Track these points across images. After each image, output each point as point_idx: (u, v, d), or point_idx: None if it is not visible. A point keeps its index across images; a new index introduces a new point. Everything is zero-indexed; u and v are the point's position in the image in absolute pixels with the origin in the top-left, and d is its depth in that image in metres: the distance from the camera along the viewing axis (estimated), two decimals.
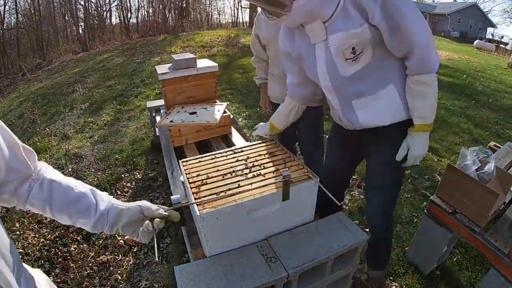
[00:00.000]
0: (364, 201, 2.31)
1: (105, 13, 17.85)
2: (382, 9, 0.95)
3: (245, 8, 27.30)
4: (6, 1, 14.95)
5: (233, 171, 1.27)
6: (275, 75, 1.84)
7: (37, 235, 2.08)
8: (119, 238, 2.03)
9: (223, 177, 1.24)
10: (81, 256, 1.90)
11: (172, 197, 1.41)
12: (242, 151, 1.44)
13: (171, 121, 2.35)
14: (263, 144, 1.49)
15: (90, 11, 16.72)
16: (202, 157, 1.40)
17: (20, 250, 1.93)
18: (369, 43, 1.03)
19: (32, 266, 1.92)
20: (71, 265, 1.83)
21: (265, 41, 1.82)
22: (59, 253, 1.92)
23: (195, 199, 1.11)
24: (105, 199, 0.75)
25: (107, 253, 1.92)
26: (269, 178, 1.22)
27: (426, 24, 1.03)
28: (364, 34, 1.01)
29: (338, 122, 1.37)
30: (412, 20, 0.98)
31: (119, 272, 1.80)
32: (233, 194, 1.13)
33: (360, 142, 1.34)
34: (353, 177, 2.61)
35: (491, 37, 29.45)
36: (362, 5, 0.97)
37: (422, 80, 1.06)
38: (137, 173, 2.79)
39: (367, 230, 1.49)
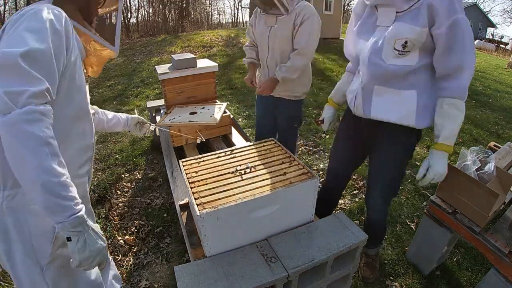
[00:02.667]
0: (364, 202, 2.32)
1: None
2: (451, 26, 1.04)
3: (245, 8, 27.33)
4: (6, 1, 14.95)
5: (233, 171, 1.27)
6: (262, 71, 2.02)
7: None
8: (119, 238, 2.03)
9: (223, 177, 1.24)
10: None
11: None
12: (242, 151, 1.44)
13: (171, 121, 2.35)
14: (263, 144, 1.49)
15: None
16: (202, 157, 1.40)
17: None
18: (419, 47, 1.13)
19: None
20: None
21: (257, 36, 1.95)
22: None
23: (195, 199, 1.11)
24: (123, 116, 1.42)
25: None
26: (269, 178, 1.22)
27: (475, 56, 1.11)
28: (421, 36, 1.09)
29: (351, 105, 1.42)
30: (469, 49, 1.07)
31: (119, 272, 1.80)
32: (233, 194, 1.13)
33: (367, 137, 1.44)
34: (353, 177, 2.62)
35: (491, 37, 29.47)
36: (435, 13, 1.05)
37: (457, 105, 1.14)
38: (137, 173, 2.79)
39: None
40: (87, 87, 1.02)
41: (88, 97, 1.05)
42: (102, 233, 0.85)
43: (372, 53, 1.22)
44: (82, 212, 0.76)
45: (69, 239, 0.76)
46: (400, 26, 1.12)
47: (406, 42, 1.11)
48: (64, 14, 0.83)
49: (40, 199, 0.70)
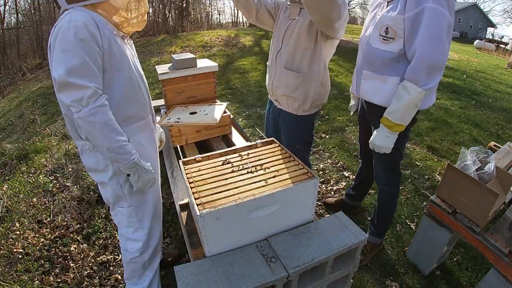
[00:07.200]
0: (364, 201, 2.31)
1: None
2: (418, 13, 1.14)
3: None
4: (6, 1, 14.95)
5: (233, 171, 1.27)
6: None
7: (37, 235, 2.08)
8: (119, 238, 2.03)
9: (223, 177, 1.24)
10: (81, 256, 1.90)
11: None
12: (242, 151, 1.44)
13: (172, 121, 2.35)
14: (263, 144, 1.49)
15: None
16: (202, 157, 1.40)
17: (20, 250, 1.93)
18: (401, 35, 1.23)
19: (32, 266, 1.91)
20: (71, 265, 1.83)
21: (275, 26, 1.69)
22: (59, 253, 1.92)
23: (195, 199, 1.11)
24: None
25: (107, 253, 1.92)
26: (269, 178, 1.22)
27: (441, 50, 1.14)
28: (397, 22, 1.22)
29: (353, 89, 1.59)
30: (428, 39, 1.13)
31: (119, 272, 1.80)
32: (233, 194, 1.13)
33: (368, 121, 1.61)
34: (352, 176, 2.62)
35: (491, 37, 29.47)
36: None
37: (406, 85, 1.22)
38: None
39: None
40: (131, 52, 1.31)
41: (137, 61, 1.35)
42: (151, 168, 1.26)
43: (368, 39, 1.38)
44: (135, 160, 1.17)
45: (128, 175, 1.22)
46: (384, 14, 1.28)
47: (387, 29, 1.26)
48: (83, 20, 1.01)
49: (107, 155, 1.17)
